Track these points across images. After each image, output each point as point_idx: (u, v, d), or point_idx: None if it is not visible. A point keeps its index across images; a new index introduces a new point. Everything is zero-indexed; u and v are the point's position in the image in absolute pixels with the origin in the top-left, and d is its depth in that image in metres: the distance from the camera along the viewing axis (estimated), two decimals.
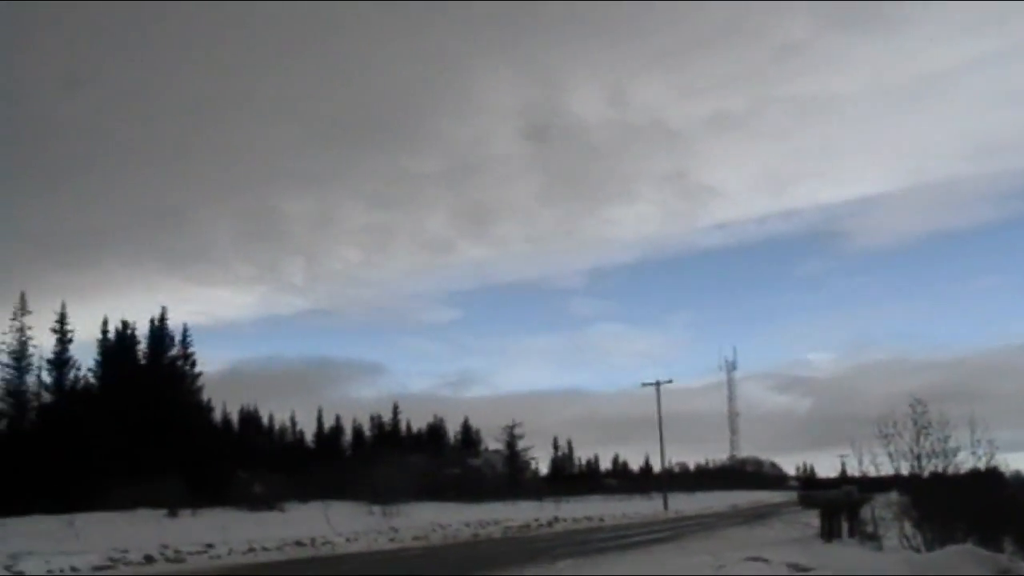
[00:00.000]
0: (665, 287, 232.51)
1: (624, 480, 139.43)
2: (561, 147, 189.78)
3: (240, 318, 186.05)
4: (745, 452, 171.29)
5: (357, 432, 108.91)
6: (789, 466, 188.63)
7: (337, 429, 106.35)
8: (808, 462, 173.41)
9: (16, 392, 63.89)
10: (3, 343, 63.37)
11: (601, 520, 48.04)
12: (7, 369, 63.63)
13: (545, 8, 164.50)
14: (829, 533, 38.94)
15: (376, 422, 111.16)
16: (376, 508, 56.16)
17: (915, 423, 27.45)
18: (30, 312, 64.47)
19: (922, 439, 27.48)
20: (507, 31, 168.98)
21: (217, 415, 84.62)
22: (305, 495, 62.43)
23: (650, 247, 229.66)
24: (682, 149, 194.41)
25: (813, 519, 44.49)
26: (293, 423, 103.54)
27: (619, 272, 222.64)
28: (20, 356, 63.74)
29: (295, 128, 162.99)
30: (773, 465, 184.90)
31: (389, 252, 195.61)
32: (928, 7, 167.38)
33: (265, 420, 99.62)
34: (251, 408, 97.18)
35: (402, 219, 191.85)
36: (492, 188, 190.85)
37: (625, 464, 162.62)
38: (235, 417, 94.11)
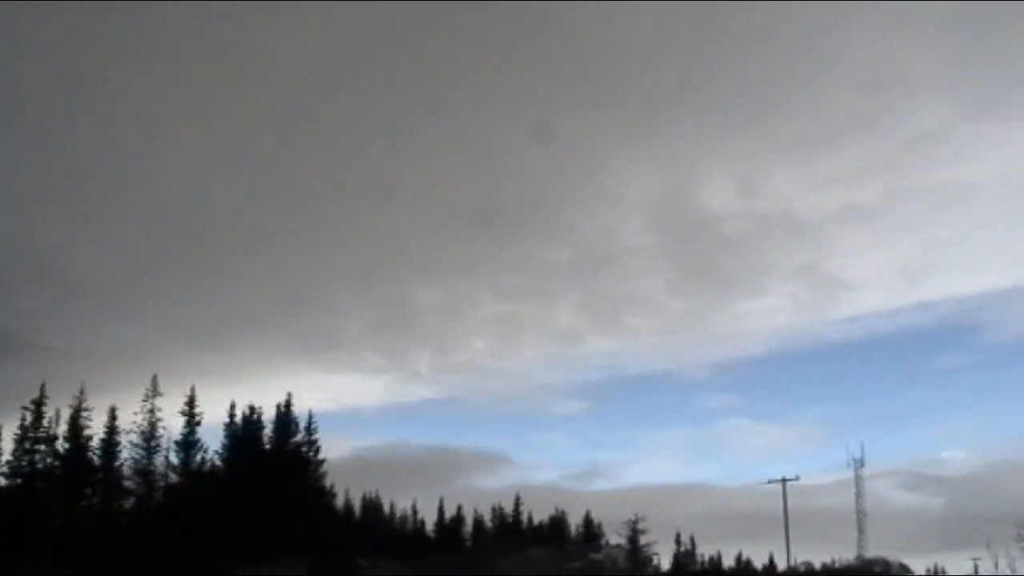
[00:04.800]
0: (794, 381, 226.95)
1: None
2: (691, 239, 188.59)
3: (366, 405, 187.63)
4: (873, 552, 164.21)
5: (478, 523, 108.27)
6: (919, 567, 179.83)
7: (458, 519, 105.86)
8: (939, 564, 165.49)
9: (144, 472, 65.53)
10: (134, 424, 65.27)
11: None
12: (137, 449, 65.42)
13: (676, 101, 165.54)
14: None
15: (498, 513, 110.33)
16: None
17: None
18: (161, 394, 66.46)
19: None
20: (639, 124, 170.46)
21: (339, 501, 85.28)
22: None
23: (780, 340, 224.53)
24: (813, 241, 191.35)
25: None
26: (414, 512, 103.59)
27: (748, 366, 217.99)
28: (150, 437, 65.46)
29: (430, 218, 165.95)
30: (902, 566, 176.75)
31: (517, 343, 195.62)
32: None
33: (387, 508, 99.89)
34: (373, 495, 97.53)
35: (531, 310, 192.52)
36: (622, 280, 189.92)
37: (748, 562, 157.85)
38: (357, 504, 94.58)
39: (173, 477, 66.53)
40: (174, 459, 66.63)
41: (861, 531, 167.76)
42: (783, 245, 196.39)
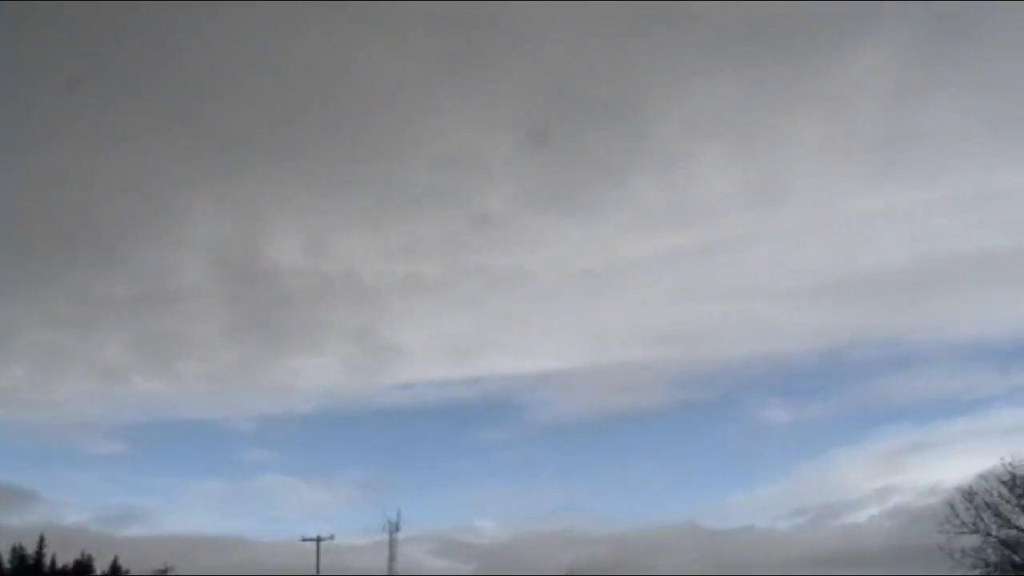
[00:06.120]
0: (338, 442, 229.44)
1: None
2: (252, 289, 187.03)
3: None
4: None
5: None
6: None
7: None
8: None
9: None
10: None
11: None
12: None
13: (253, 150, 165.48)
14: None
15: (18, 553, 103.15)
16: None
17: None
18: None
19: None
20: (214, 165, 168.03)
21: None
22: None
23: (329, 400, 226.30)
24: (373, 306, 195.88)
25: None
26: None
27: (294, 422, 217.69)
28: None
29: None
30: None
31: (58, 375, 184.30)
32: (623, 201, 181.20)
33: None
34: None
35: (78, 342, 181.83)
36: (177, 321, 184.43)
37: None
38: None
39: None
40: None
41: None
42: (343, 307, 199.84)
